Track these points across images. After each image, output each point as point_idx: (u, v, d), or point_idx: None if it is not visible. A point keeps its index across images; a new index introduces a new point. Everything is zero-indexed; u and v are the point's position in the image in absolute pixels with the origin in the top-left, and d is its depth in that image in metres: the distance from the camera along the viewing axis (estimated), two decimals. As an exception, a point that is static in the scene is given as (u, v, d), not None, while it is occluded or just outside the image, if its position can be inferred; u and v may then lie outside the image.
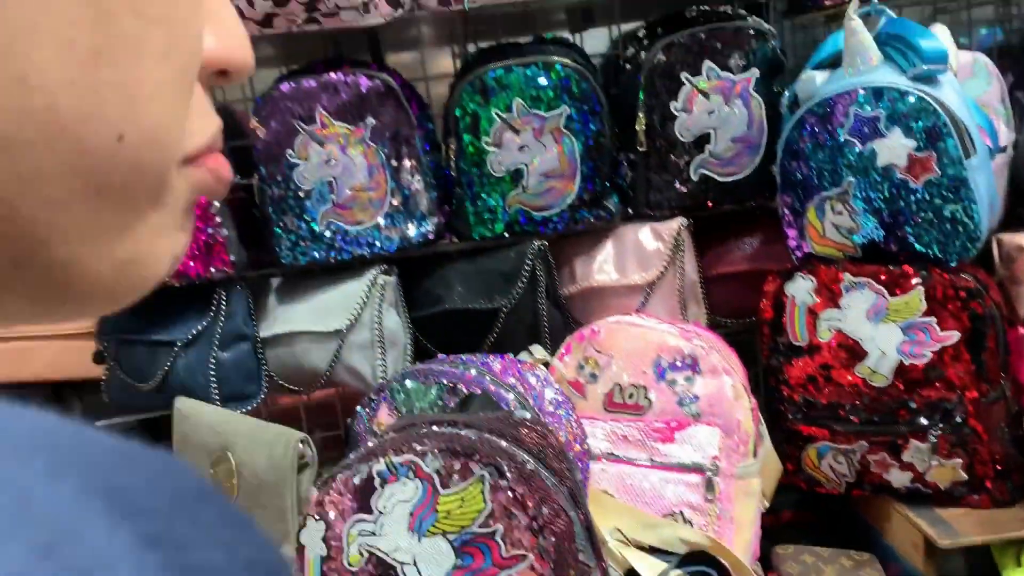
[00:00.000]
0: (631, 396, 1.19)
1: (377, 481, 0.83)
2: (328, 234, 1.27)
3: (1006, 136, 1.28)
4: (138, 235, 0.26)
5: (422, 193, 1.29)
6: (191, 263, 1.25)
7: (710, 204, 1.30)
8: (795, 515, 1.41)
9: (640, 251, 1.31)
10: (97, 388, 1.38)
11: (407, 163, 1.27)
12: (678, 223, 1.30)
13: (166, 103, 0.25)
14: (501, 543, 0.80)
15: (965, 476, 1.16)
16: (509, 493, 0.79)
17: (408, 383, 1.11)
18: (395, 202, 1.27)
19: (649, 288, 1.31)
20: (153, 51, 0.24)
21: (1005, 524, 1.14)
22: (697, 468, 1.14)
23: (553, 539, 0.80)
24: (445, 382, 1.09)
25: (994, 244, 1.24)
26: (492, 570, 0.81)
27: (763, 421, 1.21)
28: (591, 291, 1.33)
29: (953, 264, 1.12)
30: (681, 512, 1.13)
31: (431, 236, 1.30)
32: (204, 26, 0.27)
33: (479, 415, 0.90)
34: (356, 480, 0.84)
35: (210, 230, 1.25)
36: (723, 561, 1.04)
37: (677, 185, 1.29)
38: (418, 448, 0.81)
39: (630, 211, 1.33)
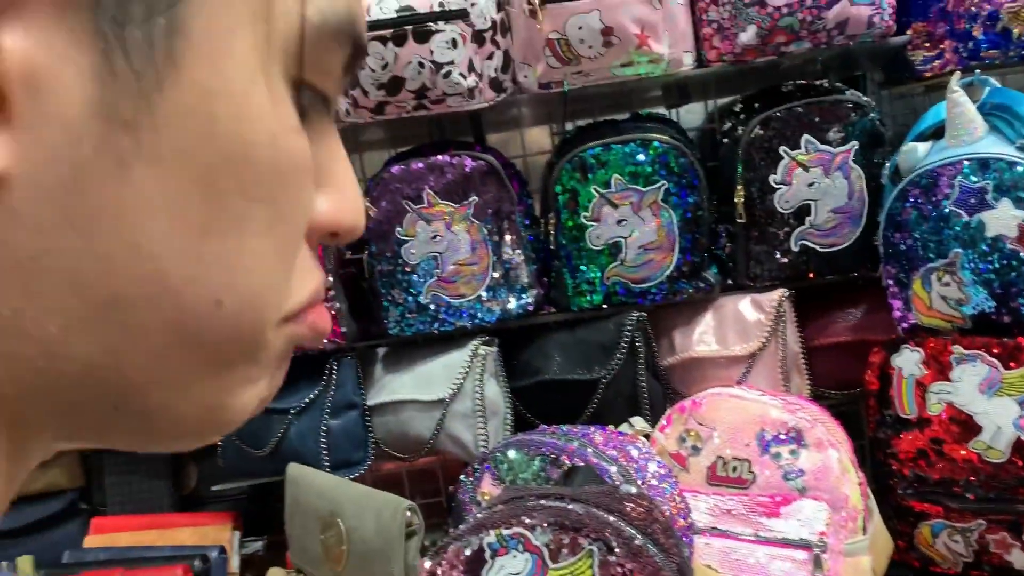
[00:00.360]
0: (734, 469, 1.18)
1: (487, 553, 0.85)
2: (432, 306, 1.32)
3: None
4: (228, 385, 0.28)
5: (522, 266, 1.32)
6: (305, 335, 1.32)
7: (811, 275, 1.30)
8: (909, 595, 1.36)
9: (740, 322, 1.31)
10: (213, 453, 1.44)
11: (508, 238, 1.32)
12: (779, 294, 1.30)
13: (266, 273, 0.27)
14: (609, 619, 0.81)
15: (1094, 559, 1.10)
16: (618, 568, 0.80)
17: (511, 453, 1.13)
18: (496, 275, 1.32)
19: (751, 359, 1.31)
20: (256, 227, 0.26)
21: None
22: (804, 544, 1.11)
23: (661, 616, 0.80)
24: (547, 453, 1.11)
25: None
26: (600, 646, 0.82)
27: (871, 496, 1.18)
28: (691, 362, 1.34)
29: (1071, 336, 1.09)
30: (789, 590, 1.10)
31: (531, 308, 1.34)
32: (318, 192, 0.30)
33: (585, 489, 0.91)
34: (467, 552, 0.86)
35: (324, 304, 1.31)
36: (835, 643, 1.01)
37: (777, 256, 1.29)
38: (527, 521, 0.83)
39: (730, 282, 1.34)
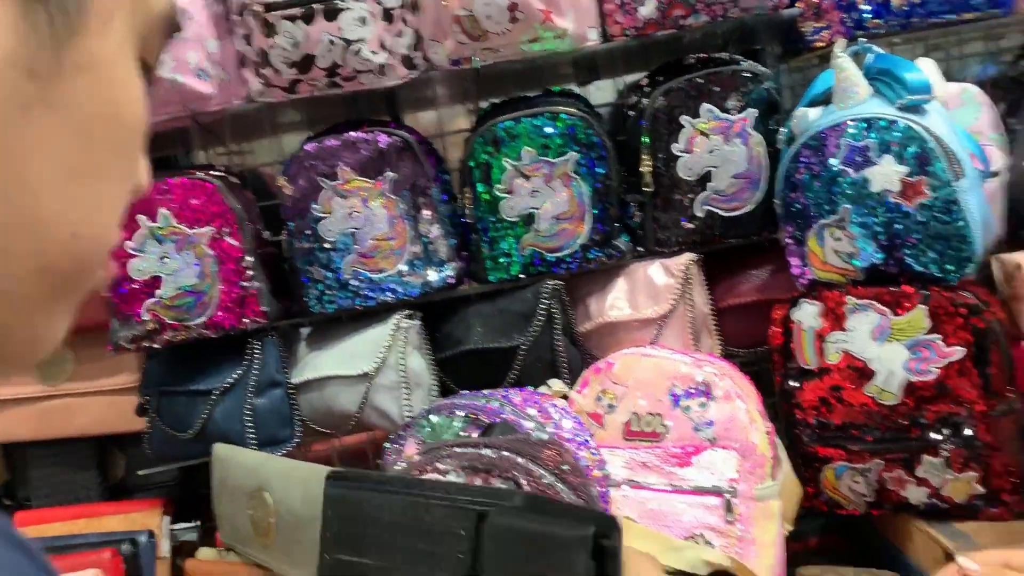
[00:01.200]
0: (648, 424, 1.23)
1: (403, 501, 0.88)
2: (353, 283, 1.34)
3: (1001, 161, 1.33)
4: (56, 316, 0.32)
5: (441, 241, 1.36)
6: (224, 315, 1.33)
7: (717, 239, 1.36)
8: (821, 541, 1.43)
9: (651, 286, 1.37)
10: (139, 441, 1.44)
11: (425, 213, 1.35)
12: (687, 258, 1.36)
13: (112, 216, 0.33)
14: (522, 556, 0.84)
15: (982, 489, 1.18)
16: (527, 505, 0.83)
17: (433, 417, 1.16)
18: (415, 250, 1.35)
19: (662, 321, 1.36)
20: (114, 176, 0.32)
21: (1025, 535, 1.16)
22: (716, 491, 1.17)
23: (572, 551, 0.84)
24: (467, 414, 1.14)
25: (995, 264, 1.28)
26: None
27: (780, 445, 1.25)
28: (606, 327, 1.39)
29: (953, 283, 1.17)
30: (702, 534, 1.16)
31: (451, 281, 1.37)
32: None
33: (498, 438, 0.95)
34: (384, 501, 0.89)
35: (243, 284, 1.32)
36: (745, 579, 1.06)
37: (683, 222, 1.35)
38: (440, 467, 0.86)
39: (640, 249, 1.39)
